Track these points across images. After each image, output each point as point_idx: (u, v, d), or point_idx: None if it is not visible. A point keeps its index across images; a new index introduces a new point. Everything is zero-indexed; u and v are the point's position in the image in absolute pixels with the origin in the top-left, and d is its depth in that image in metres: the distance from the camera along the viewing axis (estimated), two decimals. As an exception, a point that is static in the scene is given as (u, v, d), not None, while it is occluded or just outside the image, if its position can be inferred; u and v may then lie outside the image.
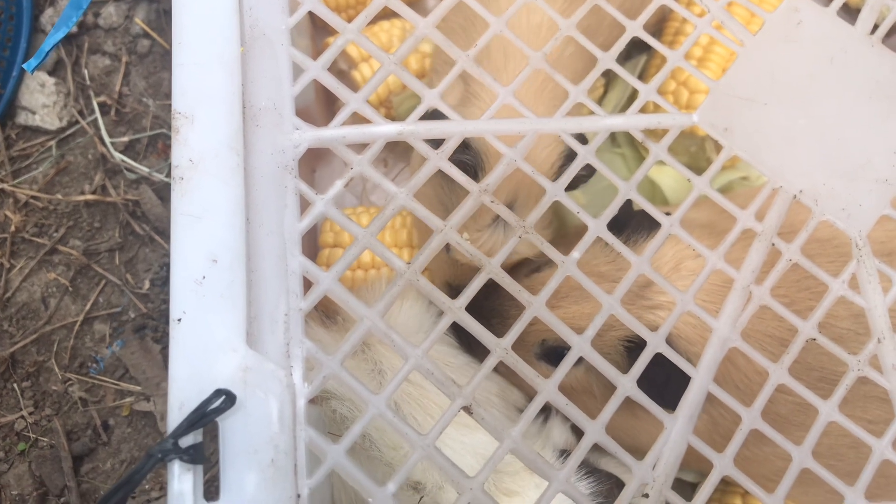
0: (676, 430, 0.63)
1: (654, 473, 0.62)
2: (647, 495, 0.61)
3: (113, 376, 1.25)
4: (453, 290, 1.00)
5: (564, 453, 0.84)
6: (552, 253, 0.68)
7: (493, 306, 0.92)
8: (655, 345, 0.67)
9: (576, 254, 0.68)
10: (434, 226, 0.68)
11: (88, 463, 1.21)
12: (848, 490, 0.63)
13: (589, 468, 0.80)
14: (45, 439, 1.21)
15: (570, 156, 0.90)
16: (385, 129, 0.70)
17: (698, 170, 1.01)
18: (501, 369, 0.95)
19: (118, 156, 1.37)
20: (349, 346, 0.63)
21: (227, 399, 0.57)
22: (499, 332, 0.65)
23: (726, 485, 1.07)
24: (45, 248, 1.31)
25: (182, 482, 0.56)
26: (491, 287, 0.97)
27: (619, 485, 0.79)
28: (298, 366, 0.62)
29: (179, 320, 0.60)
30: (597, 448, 0.92)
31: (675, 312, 0.68)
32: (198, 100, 0.67)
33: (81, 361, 1.26)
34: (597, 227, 0.70)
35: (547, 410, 0.93)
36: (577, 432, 0.95)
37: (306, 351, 0.62)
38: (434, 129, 0.71)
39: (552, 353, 0.89)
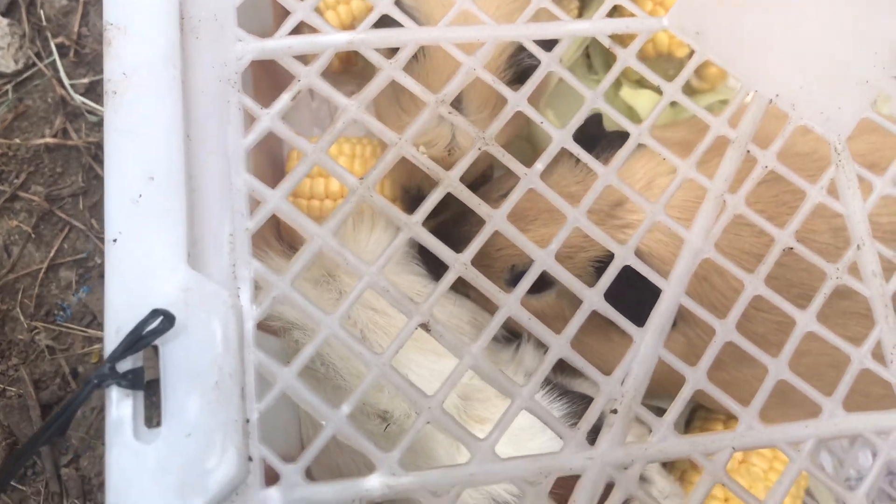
0: (646, 344, 0.61)
1: (623, 388, 0.59)
2: (615, 410, 0.58)
3: (81, 323, 1.22)
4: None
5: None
6: (514, 165, 0.65)
7: (461, 233, 0.89)
8: (624, 257, 0.63)
9: (539, 165, 0.65)
10: (388, 140, 0.64)
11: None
12: (826, 401, 0.60)
13: (561, 390, 0.78)
14: (13, 389, 1.18)
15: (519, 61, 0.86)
16: (334, 39, 0.66)
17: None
18: (473, 295, 0.92)
19: (78, 98, 1.32)
20: (299, 266, 0.59)
21: (165, 320, 0.53)
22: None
23: (709, 412, 1.05)
24: (6, 194, 1.27)
25: (121, 408, 0.53)
26: (460, 215, 0.94)
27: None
28: (246, 287, 0.59)
29: (115, 241, 0.57)
30: (571, 372, 0.90)
31: (645, 223, 0.65)
32: (132, 10, 0.63)
33: (48, 309, 1.23)
34: (561, 137, 0.66)
35: (519, 338, 0.90)
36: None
37: (254, 272, 0.59)
38: (387, 37, 0.67)
39: (520, 275, 0.86)
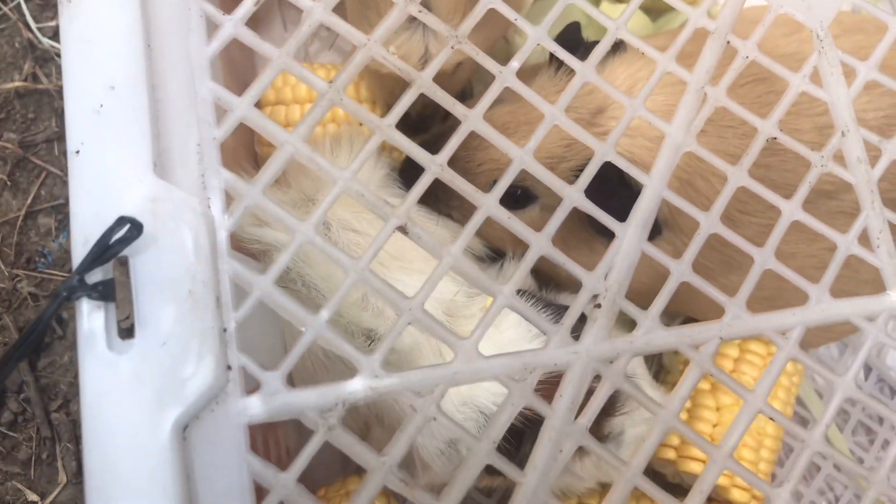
0: (629, 239, 0.59)
1: (607, 283, 0.58)
2: (599, 305, 0.57)
3: (63, 269, 1.20)
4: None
5: (522, 292, 0.80)
6: (489, 63, 0.63)
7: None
8: (604, 153, 0.62)
9: (514, 63, 0.63)
10: (357, 42, 0.62)
11: (45, 358, 1.16)
12: (813, 288, 0.59)
13: (546, 302, 0.77)
14: (-2, 337, 1.17)
15: None
16: (296, -60, 0.63)
17: (657, 12, 0.95)
18: (456, 216, 0.91)
19: (46, 41, 1.28)
20: (270, 174, 0.57)
21: (132, 228, 0.52)
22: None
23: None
24: (-22, 143, 1.24)
25: (92, 321, 0.52)
26: (438, 136, 0.92)
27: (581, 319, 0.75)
28: (217, 197, 0.57)
29: (77, 152, 0.55)
30: (557, 287, 0.89)
31: (624, 118, 0.63)
32: (82, -84, 0.60)
33: (28, 257, 1.21)
34: (537, 34, 0.64)
35: (503, 256, 0.89)
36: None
37: (224, 182, 0.57)
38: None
39: (504, 194, 0.85)
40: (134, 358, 0.51)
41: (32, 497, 1.11)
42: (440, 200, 0.88)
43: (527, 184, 0.83)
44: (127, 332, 0.52)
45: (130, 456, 0.50)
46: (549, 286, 0.92)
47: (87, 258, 0.52)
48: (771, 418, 0.57)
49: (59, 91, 1.26)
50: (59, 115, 1.26)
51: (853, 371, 0.58)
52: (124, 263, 0.53)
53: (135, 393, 0.51)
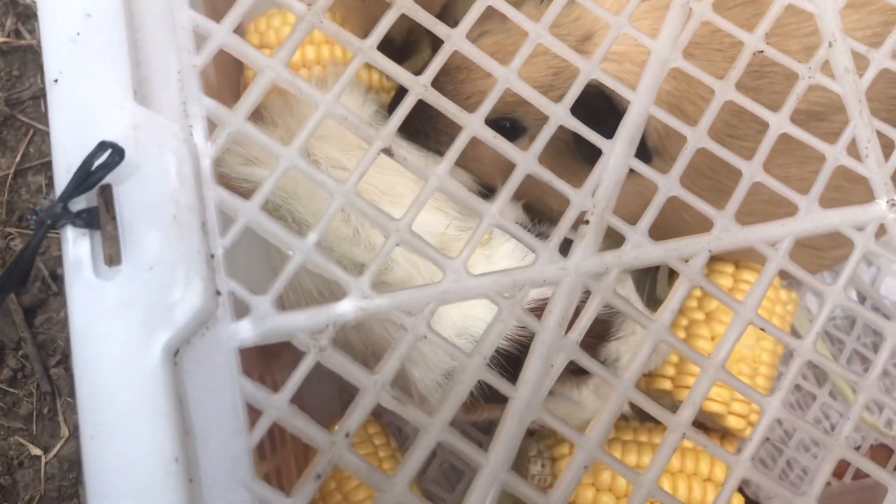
0: (616, 155, 0.59)
1: (595, 199, 0.58)
2: (587, 221, 0.57)
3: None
4: None
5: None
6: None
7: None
8: (589, 71, 0.61)
9: (496, -18, 0.62)
10: (336, -34, 0.61)
11: (42, 314, 1.17)
12: (801, 199, 0.59)
13: (539, 231, 0.77)
14: (-6, 295, 1.17)
15: None
16: None
17: None
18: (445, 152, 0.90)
19: (27, -3, 1.27)
20: (252, 100, 0.57)
21: (114, 152, 0.51)
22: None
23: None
24: (-36, 102, 1.23)
25: (77, 248, 0.52)
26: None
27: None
28: (199, 125, 0.56)
29: (56, 81, 0.54)
30: (550, 222, 0.89)
31: (609, 35, 0.62)
32: None
33: (20, 215, 1.21)
34: (518, -46, 0.63)
35: (493, 193, 0.88)
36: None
37: (206, 109, 0.57)
38: None
39: (492, 123, 0.84)
40: (121, 284, 0.51)
41: (36, 451, 1.12)
42: (429, 137, 0.87)
43: (515, 116, 0.83)
44: (113, 258, 0.52)
45: (122, 380, 0.50)
46: (542, 223, 0.92)
47: (70, 185, 0.51)
48: (762, 328, 0.57)
49: (43, 47, 1.25)
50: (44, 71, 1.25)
51: (843, 279, 0.58)
52: (108, 191, 0.53)
53: (123, 318, 0.51)
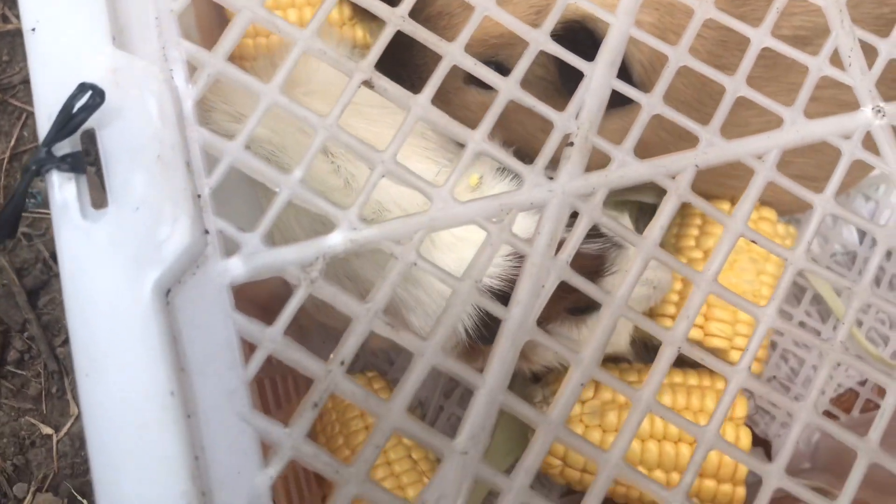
0: (597, 77, 0.59)
1: (578, 122, 0.57)
2: (572, 143, 0.57)
3: (52, 208, 1.20)
4: None
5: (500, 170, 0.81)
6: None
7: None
8: (567, -5, 0.61)
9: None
10: None
11: (45, 295, 1.18)
12: (786, 111, 0.59)
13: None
14: (-3, 279, 1.18)
15: None
16: None
17: None
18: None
19: (12, -18, 1.27)
20: (230, 41, 0.57)
21: (94, 94, 0.51)
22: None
23: (683, 217, 1.04)
24: (-45, 89, 1.24)
25: (64, 192, 0.52)
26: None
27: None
28: (179, 68, 0.56)
29: (33, 30, 0.55)
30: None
31: (585, -40, 0.62)
32: None
33: (17, 198, 1.21)
34: None
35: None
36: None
37: (185, 52, 0.57)
38: None
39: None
40: (109, 223, 0.51)
41: (47, 430, 1.13)
42: (415, 85, 0.87)
43: (499, 58, 0.83)
44: (99, 200, 0.52)
45: (114, 319, 0.50)
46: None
47: (52, 129, 0.51)
48: (752, 241, 0.57)
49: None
50: (33, 55, 1.25)
51: (832, 188, 0.58)
52: (91, 135, 0.53)
53: (112, 258, 0.51)
